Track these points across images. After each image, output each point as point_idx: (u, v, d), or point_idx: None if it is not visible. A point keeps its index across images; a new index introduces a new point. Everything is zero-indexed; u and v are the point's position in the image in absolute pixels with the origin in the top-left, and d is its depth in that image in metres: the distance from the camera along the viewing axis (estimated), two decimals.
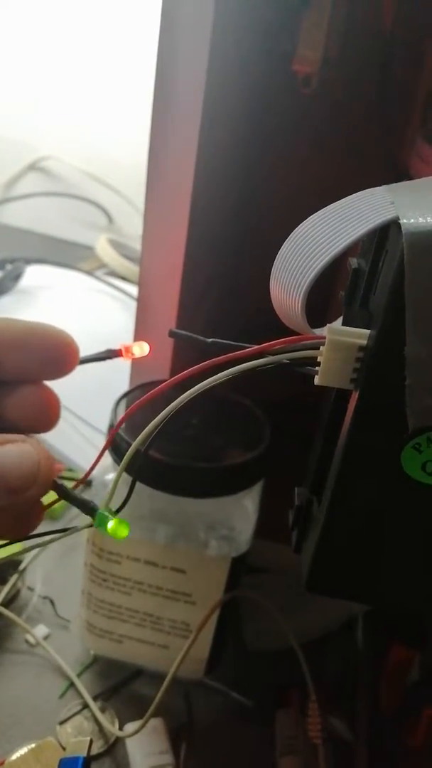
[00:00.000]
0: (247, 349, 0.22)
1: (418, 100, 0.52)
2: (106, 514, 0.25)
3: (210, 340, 0.23)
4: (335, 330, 0.22)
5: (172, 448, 0.38)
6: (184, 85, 0.38)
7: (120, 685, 0.46)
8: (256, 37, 0.46)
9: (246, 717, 0.46)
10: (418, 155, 0.47)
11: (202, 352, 0.23)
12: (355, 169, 0.53)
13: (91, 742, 0.36)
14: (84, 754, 0.35)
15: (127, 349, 0.31)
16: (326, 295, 0.27)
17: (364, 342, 0.22)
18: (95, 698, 0.45)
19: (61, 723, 0.43)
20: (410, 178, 0.26)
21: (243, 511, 0.41)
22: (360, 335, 0.22)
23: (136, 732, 0.39)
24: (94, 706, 0.43)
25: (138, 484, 0.25)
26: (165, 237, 0.42)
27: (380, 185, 0.23)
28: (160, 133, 0.39)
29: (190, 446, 0.40)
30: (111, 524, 0.24)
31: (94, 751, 0.42)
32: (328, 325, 0.22)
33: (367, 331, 0.21)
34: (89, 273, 0.95)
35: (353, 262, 0.24)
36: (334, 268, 0.21)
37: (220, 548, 0.40)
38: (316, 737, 0.40)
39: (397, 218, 0.19)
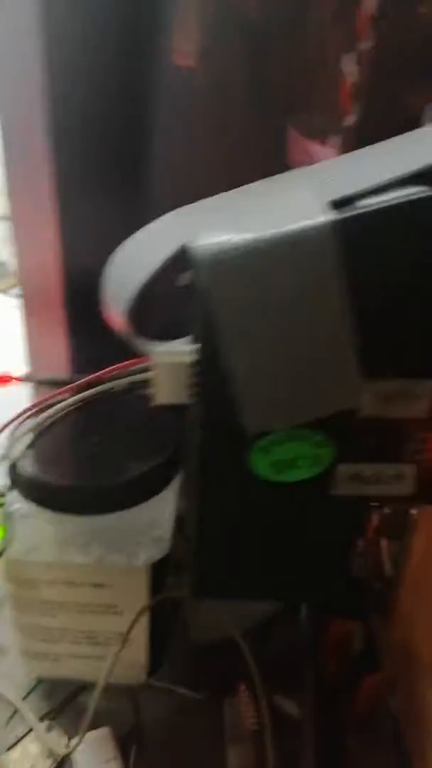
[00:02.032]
0: (78, 382, 0.22)
1: (292, 90, 0.51)
2: None
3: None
4: (159, 353, 0.21)
5: (76, 470, 0.38)
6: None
7: (66, 702, 0.46)
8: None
9: (197, 711, 0.46)
10: (295, 145, 0.46)
11: None
12: (239, 157, 0.52)
13: None
14: None
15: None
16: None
17: (189, 359, 0.21)
18: (41, 719, 0.44)
19: (9, 749, 0.43)
20: (288, 168, 0.26)
21: (156, 517, 0.41)
22: (185, 353, 0.21)
23: (76, 746, 0.39)
24: (39, 727, 0.43)
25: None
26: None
27: (259, 172, 0.23)
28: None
29: (94, 465, 0.39)
30: None
31: None
32: (155, 347, 0.22)
33: (190, 348, 0.21)
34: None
35: (181, 280, 0.23)
36: None
37: (145, 556, 0.40)
38: (252, 724, 0.40)
39: (187, 246, 0.19)
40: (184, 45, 0.48)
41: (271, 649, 0.50)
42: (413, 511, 0.41)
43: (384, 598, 0.46)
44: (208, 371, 0.21)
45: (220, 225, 0.18)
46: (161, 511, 0.41)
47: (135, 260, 0.20)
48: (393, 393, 0.21)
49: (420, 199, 0.17)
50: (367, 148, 0.22)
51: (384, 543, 0.46)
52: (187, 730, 0.45)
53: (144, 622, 0.42)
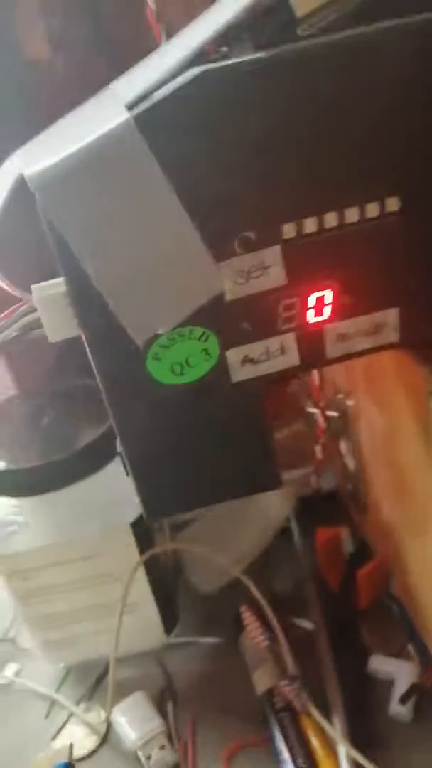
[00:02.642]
0: None
1: None
2: None
3: None
4: (38, 287, 0.23)
5: (33, 452, 0.40)
6: None
7: (98, 681, 0.48)
8: None
9: (219, 654, 0.48)
10: None
11: None
12: None
13: (71, 746, 0.38)
14: (65, 759, 0.37)
15: None
16: None
17: (64, 288, 0.23)
18: (77, 703, 0.46)
19: (53, 739, 0.45)
20: None
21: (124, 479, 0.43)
22: (60, 284, 0.23)
23: (108, 717, 0.41)
24: (77, 710, 0.45)
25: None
26: None
27: None
28: None
29: (50, 443, 0.41)
30: None
31: (93, 746, 0.44)
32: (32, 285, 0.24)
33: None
34: None
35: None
36: None
37: (122, 516, 0.42)
38: (260, 641, 0.42)
39: (22, 175, 0.21)
40: (32, 37, 0.50)
41: (273, 576, 0.52)
42: (349, 403, 0.44)
43: (357, 493, 0.48)
44: (79, 294, 0.23)
45: (47, 149, 0.20)
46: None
47: None
48: (247, 268, 0.23)
49: (197, 76, 0.20)
50: (158, 49, 0.24)
51: (342, 445, 0.49)
52: (215, 673, 0.47)
53: (144, 582, 0.45)
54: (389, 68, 0.22)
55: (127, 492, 0.42)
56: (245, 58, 0.21)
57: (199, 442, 0.27)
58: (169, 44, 0.24)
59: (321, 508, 0.56)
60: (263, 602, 0.46)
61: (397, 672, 0.42)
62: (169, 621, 0.48)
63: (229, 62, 0.21)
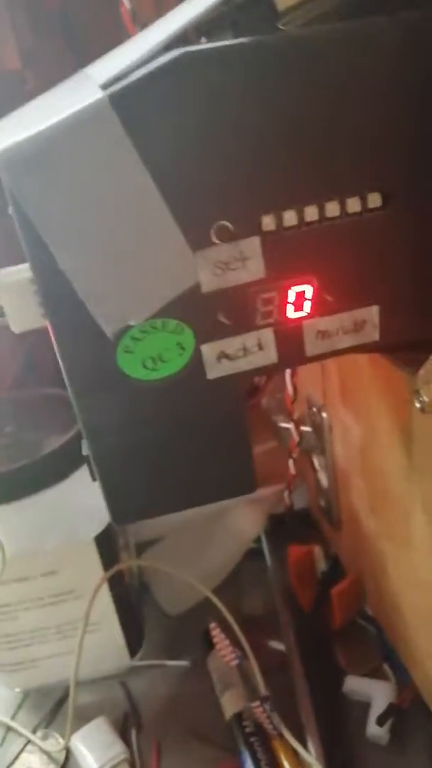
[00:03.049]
0: None
1: None
2: None
3: None
4: (1, 273, 0.22)
5: None
6: None
7: (57, 707, 0.45)
8: None
9: (186, 677, 0.46)
10: None
11: None
12: None
13: None
14: None
15: None
16: None
17: (30, 274, 0.22)
18: (34, 730, 0.44)
19: (8, 767, 0.42)
20: None
21: (91, 488, 0.41)
22: (26, 270, 0.22)
23: (66, 744, 0.39)
24: (33, 737, 0.43)
25: None
26: None
27: None
28: None
29: (10, 452, 0.39)
30: None
31: None
32: None
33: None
34: None
35: (9, 209, 0.24)
36: None
37: (87, 530, 0.40)
38: (230, 660, 0.41)
39: None
40: (3, 49, 0.49)
41: (243, 596, 0.51)
42: (324, 415, 0.43)
43: (331, 509, 0.47)
44: (46, 280, 0.21)
45: (14, 128, 0.19)
46: (93, 483, 0.41)
47: None
48: (224, 259, 0.22)
49: (178, 57, 0.19)
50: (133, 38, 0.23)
51: (315, 460, 0.48)
52: (181, 697, 0.45)
53: (107, 600, 0.43)
54: (371, 63, 0.21)
55: (92, 505, 0.41)
56: (228, 42, 0.21)
57: (171, 443, 0.25)
58: (146, 32, 0.24)
59: (292, 526, 0.55)
60: (232, 621, 0.44)
61: (373, 693, 0.40)
62: (133, 643, 0.46)
63: (212, 45, 0.20)
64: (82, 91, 0.19)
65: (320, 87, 0.21)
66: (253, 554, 0.53)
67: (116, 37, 0.53)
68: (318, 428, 0.44)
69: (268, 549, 0.53)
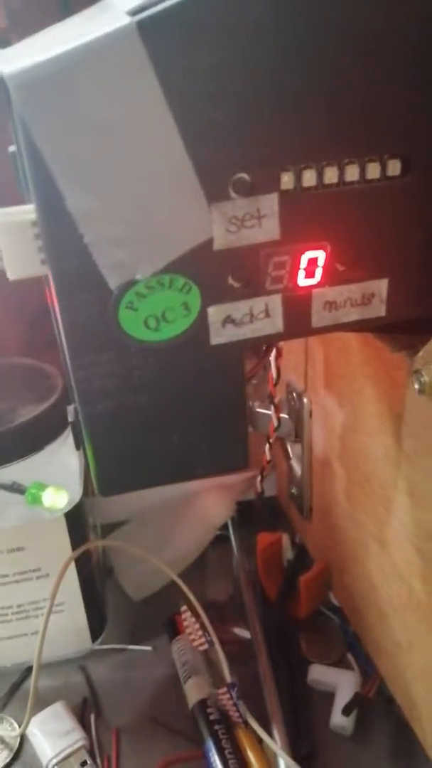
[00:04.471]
0: None
1: None
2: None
3: None
4: (1, 212, 0.20)
5: None
6: None
7: (13, 690, 0.44)
8: None
9: (149, 663, 0.45)
10: None
11: None
12: None
13: None
14: None
15: None
16: None
17: (33, 216, 0.20)
18: None
19: None
20: None
21: (61, 463, 0.39)
22: (27, 211, 0.21)
23: (24, 729, 0.37)
24: None
25: None
26: None
27: None
28: None
29: None
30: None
31: (2, 763, 0.39)
32: None
33: (32, 205, 0.20)
34: None
35: (10, 148, 0.23)
36: None
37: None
38: (200, 644, 0.40)
39: None
40: None
41: (209, 582, 0.50)
42: (305, 400, 0.43)
43: (302, 498, 0.47)
44: (51, 222, 0.20)
45: (29, 51, 0.18)
46: (64, 458, 0.39)
47: None
48: (240, 215, 0.21)
49: None
50: None
51: (288, 447, 0.48)
52: (143, 683, 0.44)
53: (74, 580, 0.41)
54: (411, 16, 0.20)
55: (64, 480, 0.39)
56: None
57: (166, 410, 0.24)
58: None
59: (260, 513, 0.54)
60: (199, 607, 0.43)
61: (338, 682, 0.40)
62: (95, 626, 0.45)
63: None
64: (108, 17, 0.18)
65: (348, 35, 0.20)
66: (219, 540, 0.52)
67: None
68: (296, 414, 0.44)
69: (234, 536, 0.52)
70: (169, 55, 0.18)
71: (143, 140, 0.19)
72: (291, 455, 0.47)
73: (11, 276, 0.21)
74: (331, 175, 0.22)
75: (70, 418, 0.27)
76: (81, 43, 0.17)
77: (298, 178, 0.22)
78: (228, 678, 0.40)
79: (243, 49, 0.19)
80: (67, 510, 0.38)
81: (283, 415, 0.45)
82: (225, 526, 0.54)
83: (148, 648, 0.46)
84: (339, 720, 0.38)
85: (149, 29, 0.18)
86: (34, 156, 0.19)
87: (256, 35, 0.19)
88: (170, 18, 0.18)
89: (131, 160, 0.19)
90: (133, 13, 0.18)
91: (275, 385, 0.40)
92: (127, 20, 0.18)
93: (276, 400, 0.43)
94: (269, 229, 0.22)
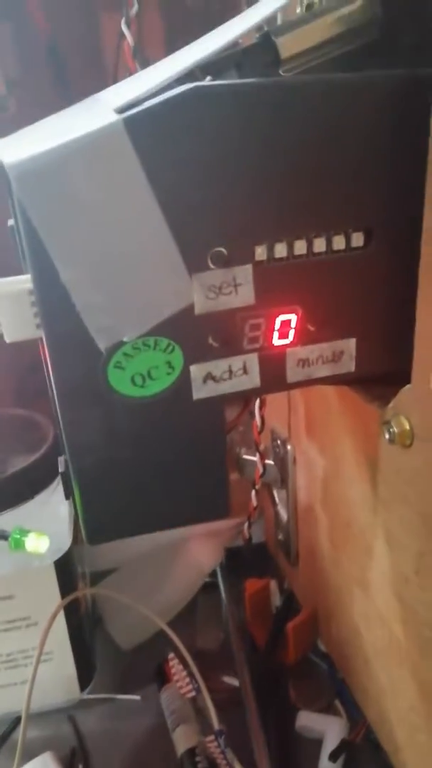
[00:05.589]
0: None
1: None
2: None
3: None
4: (1, 282, 0.22)
5: None
6: None
7: (2, 741, 0.44)
8: None
9: (137, 712, 0.45)
10: None
11: None
12: None
13: None
14: None
15: None
16: None
17: (29, 285, 0.22)
18: None
19: None
20: None
21: (51, 512, 0.41)
22: (24, 281, 0.23)
23: None
24: None
25: None
26: None
27: None
28: None
29: None
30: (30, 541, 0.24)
31: None
32: None
33: (28, 275, 0.22)
34: None
35: (9, 222, 0.25)
36: None
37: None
38: (188, 692, 0.40)
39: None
40: None
41: (199, 631, 0.50)
42: (289, 447, 0.44)
43: (288, 544, 0.48)
44: (46, 291, 0.22)
45: (28, 142, 0.20)
46: (54, 507, 0.40)
47: None
48: (218, 284, 0.23)
49: (192, 89, 0.20)
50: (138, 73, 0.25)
51: (275, 493, 0.49)
52: (131, 732, 0.44)
53: (62, 629, 0.42)
54: (362, 113, 0.23)
55: (54, 528, 0.40)
56: (238, 81, 0.22)
57: (152, 461, 0.26)
58: (153, 68, 0.25)
59: (248, 560, 0.55)
60: (187, 655, 0.43)
61: (326, 728, 0.40)
62: (84, 675, 0.45)
63: (223, 82, 0.22)
64: (97, 113, 0.20)
65: (313, 131, 0.23)
66: (209, 587, 0.53)
67: (101, 70, 0.55)
68: (281, 461, 0.45)
69: (224, 582, 0.53)
70: (152, 148, 0.21)
71: (130, 221, 0.21)
72: (277, 501, 0.48)
73: (8, 339, 0.23)
74: (300, 247, 0.24)
75: (61, 469, 0.28)
76: (73, 137, 0.20)
77: (271, 250, 0.24)
78: (216, 725, 0.40)
79: (218, 145, 0.22)
80: (55, 558, 0.39)
81: (269, 462, 0.46)
82: (214, 573, 0.54)
83: (137, 697, 0.46)
84: (326, 766, 0.38)
85: (134, 126, 0.20)
86: (31, 233, 0.21)
87: (229, 134, 0.22)
88: (152, 116, 0.20)
89: (120, 239, 0.21)
90: (120, 111, 0.20)
91: (260, 432, 0.42)
92: (114, 117, 0.20)
93: (261, 448, 0.44)
94: (245, 295, 0.24)
